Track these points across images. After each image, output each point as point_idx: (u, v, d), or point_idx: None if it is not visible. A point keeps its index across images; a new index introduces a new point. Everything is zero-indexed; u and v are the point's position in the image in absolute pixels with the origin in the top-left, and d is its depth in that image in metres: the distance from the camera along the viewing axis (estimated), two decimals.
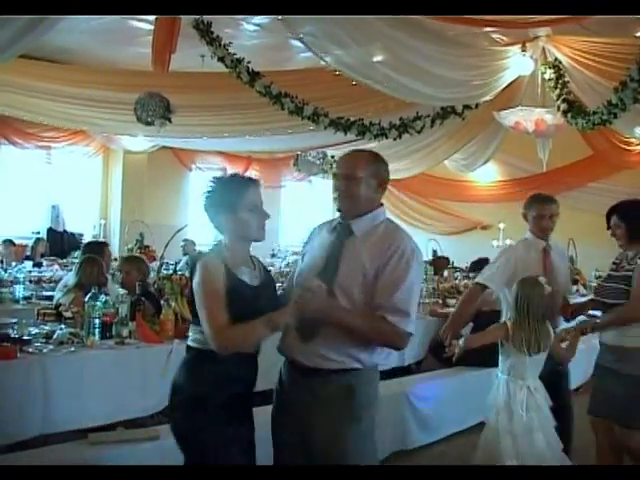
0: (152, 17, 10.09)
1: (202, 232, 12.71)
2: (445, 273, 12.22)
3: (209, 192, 3.75)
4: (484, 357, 8.03)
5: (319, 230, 4.09)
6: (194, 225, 12.86)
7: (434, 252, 14.49)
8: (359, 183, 3.83)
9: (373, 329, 3.69)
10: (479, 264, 9.17)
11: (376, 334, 3.71)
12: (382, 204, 3.96)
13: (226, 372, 3.63)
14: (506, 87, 10.53)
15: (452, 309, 9.35)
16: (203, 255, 3.86)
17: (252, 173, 18.18)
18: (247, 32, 11.56)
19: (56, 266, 11.77)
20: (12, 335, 5.13)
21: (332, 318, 3.61)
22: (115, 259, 10.62)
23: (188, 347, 3.80)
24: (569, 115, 10.26)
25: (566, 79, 10.23)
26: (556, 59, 10.27)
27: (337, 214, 3.98)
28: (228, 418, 3.65)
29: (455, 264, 13.85)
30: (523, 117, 10.69)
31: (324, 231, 4.00)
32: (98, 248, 8.43)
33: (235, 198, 3.69)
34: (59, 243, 14.69)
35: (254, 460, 3.78)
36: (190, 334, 3.81)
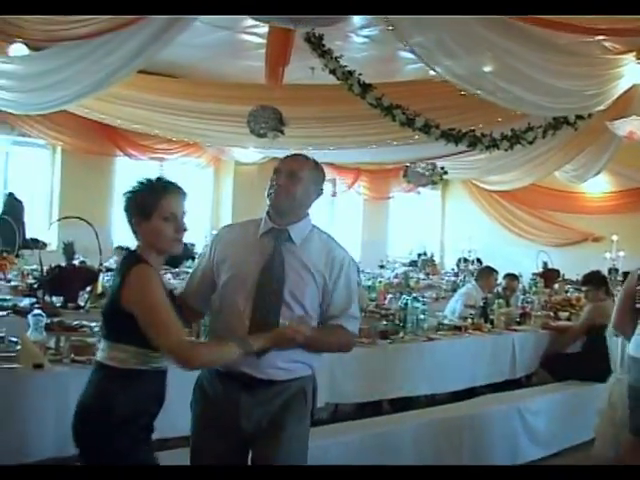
0: (262, 30, 10.28)
1: None
2: (556, 286, 12.07)
3: (129, 193, 3.53)
4: (595, 373, 7.95)
5: (233, 232, 4.07)
6: None
7: (544, 264, 14.29)
8: (302, 184, 3.83)
9: (341, 343, 3.91)
10: (592, 278, 9.01)
11: (342, 345, 3.96)
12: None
13: (147, 392, 3.40)
14: (619, 96, 10.34)
15: (564, 322, 9.29)
16: (131, 259, 3.51)
17: (361, 184, 18.32)
18: (356, 44, 11.64)
19: (169, 275, 11.99)
20: None
21: (309, 345, 3.67)
22: None
23: (101, 365, 3.44)
24: None
25: None
26: None
27: (263, 216, 3.97)
28: (148, 439, 3.50)
29: (566, 276, 13.66)
30: (637, 126, 10.48)
31: (248, 234, 3.93)
32: None
33: (151, 203, 3.49)
34: None
35: None
36: (105, 350, 3.43)
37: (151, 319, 3.28)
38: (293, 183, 3.82)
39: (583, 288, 9.37)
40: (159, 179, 3.67)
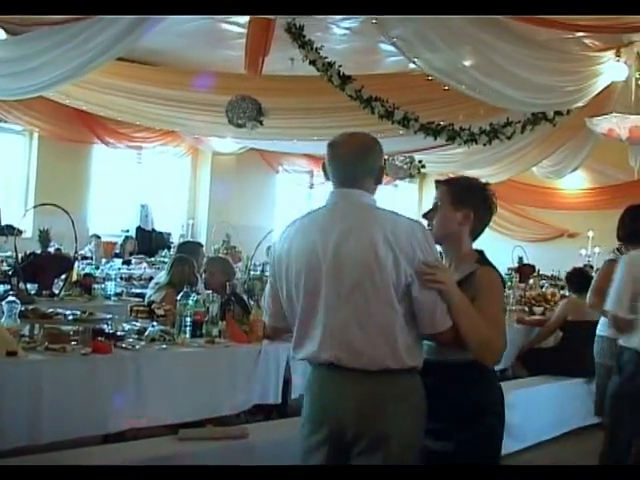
0: (242, 20, 10.23)
1: None
2: (531, 281, 12.11)
3: None
4: (569, 367, 8.00)
5: None
6: (280, 227, 12.94)
7: (520, 259, 14.32)
8: None
9: None
10: (578, 277, 8.98)
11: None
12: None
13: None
14: (598, 93, 10.37)
15: (538, 317, 9.33)
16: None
17: None
18: (337, 36, 11.60)
19: (144, 264, 11.96)
20: (107, 330, 5.23)
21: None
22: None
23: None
24: None
25: None
26: None
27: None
28: None
29: (541, 272, 13.70)
30: (617, 124, 10.48)
31: None
32: (193, 248, 8.60)
33: None
34: (147, 242, 14.90)
35: None
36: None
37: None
38: None
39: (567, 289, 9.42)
40: None
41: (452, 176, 4.61)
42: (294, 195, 18.40)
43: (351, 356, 3.23)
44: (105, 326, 5.34)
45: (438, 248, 3.63)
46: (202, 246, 9.42)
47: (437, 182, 3.87)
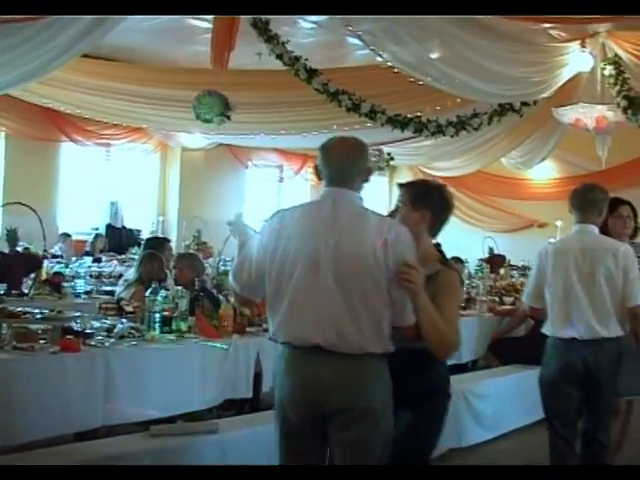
0: (210, 16, 10.19)
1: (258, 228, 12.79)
2: (501, 271, 12.17)
3: None
4: (540, 356, 8.04)
5: None
6: (250, 222, 12.92)
7: (490, 250, 14.39)
8: None
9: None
10: None
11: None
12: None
13: None
14: (564, 84, 10.44)
15: (509, 307, 9.38)
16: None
17: (308, 170, 18.28)
18: (304, 30, 11.59)
19: (115, 262, 11.91)
20: (76, 328, 5.22)
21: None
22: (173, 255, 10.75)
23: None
24: (629, 112, 10.13)
25: (626, 75, 10.09)
26: (616, 55, 10.13)
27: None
28: None
29: (512, 262, 13.77)
30: (584, 114, 10.55)
31: None
32: (159, 244, 8.59)
33: None
34: (118, 239, 14.85)
35: None
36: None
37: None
38: None
39: None
40: None
41: (413, 179, 4.91)
42: (264, 190, 18.38)
43: (340, 341, 3.51)
44: (74, 324, 5.31)
45: None
46: (169, 241, 9.42)
47: (399, 185, 4.20)
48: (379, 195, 18.91)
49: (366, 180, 3.82)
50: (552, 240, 8.13)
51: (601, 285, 5.26)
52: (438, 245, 4.09)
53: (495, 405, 7.55)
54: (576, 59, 10.12)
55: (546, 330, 5.53)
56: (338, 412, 3.55)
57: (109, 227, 15.36)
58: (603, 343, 5.28)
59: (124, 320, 5.76)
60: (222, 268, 7.67)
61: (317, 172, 3.89)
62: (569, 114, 10.80)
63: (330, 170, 3.78)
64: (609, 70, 10.25)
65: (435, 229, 4.05)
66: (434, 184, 4.27)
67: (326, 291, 3.54)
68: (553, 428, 5.51)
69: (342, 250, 3.55)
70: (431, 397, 3.94)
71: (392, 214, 4.09)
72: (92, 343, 5.12)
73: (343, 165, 3.75)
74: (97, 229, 14.88)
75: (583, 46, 10.08)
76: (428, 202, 4.00)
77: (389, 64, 8.93)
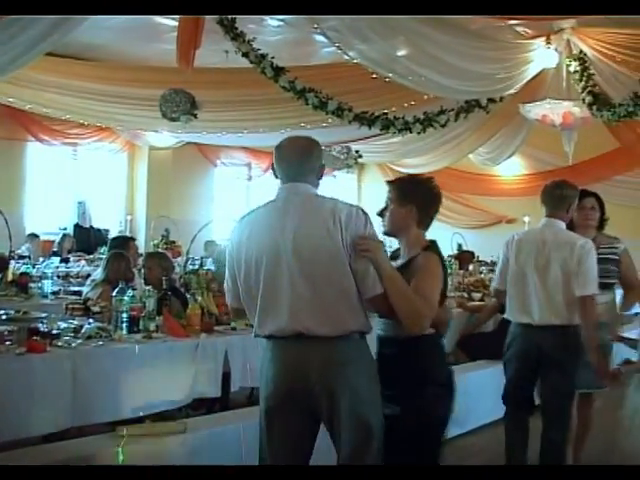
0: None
1: (227, 227, 12.79)
2: (470, 267, 12.21)
3: None
4: None
5: None
6: (218, 220, 12.92)
7: (459, 246, 14.44)
8: None
9: None
10: None
11: None
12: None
13: None
14: (530, 80, 10.50)
15: (477, 303, 9.40)
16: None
17: None
18: (270, 27, 11.58)
19: (83, 262, 11.85)
20: (42, 329, 5.17)
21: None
22: (141, 254, 10.71)
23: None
24: (594, 107, 10.21)
25: (591, 71, 10.17)
26: (581, 51, 10.21)
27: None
28: None
29: (480, 258, 13.82)
30: (550, 110, 10.62)
31: None
32: (123, 243, 8.55)
33: None
34: (85, 239, 14.77)
35: None
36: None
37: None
38: None
39: None
40: None
41: (400, 176, 5.00)
42: (232, 188, 18.36)
43: (319, 325, 3.66)
44: (40, 325, 5.27)
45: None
46: (134, 240, 9.37)
47: (387, 182, 4.34)
48: (348, 193, 18.93)
49: (320, 177, 3.97)
50: None
51: (556, 275, 5.43)
52: (433, 242, 4.20)
53: (464, 400, 7.54)
54: (541, 55, 10.18)
55: (507, 315, 5.80)
56: (326, 394, 3.68)
57: (77, 227, 15.27)
58: (556, 330, 5.45)
59: (91, 320, 5.71)
60: (190, 267, 7.65)
61: (274, 171, 4.04)
62: (536, 110, 10.86)
63: (283, 168, 3.95)
64: (574, 66, 10.33)
65: (425, 222, 4.20)
66: (419, 179, 4.37)
67: (293, 280, 3.67)
68: (508, 410, 5.92)
69: (300, 238, 3.68)
70: (429, 383, 3.98)
71: (381, 212, 4.21)
72: (59, 344, 5.08)
73: (295, 163, 3.90)
74: (65, 229, 14.78)
75: (548, 43, 10.14)
76: (414, 197, 4.14)
77: (355, 62, 8.93)
